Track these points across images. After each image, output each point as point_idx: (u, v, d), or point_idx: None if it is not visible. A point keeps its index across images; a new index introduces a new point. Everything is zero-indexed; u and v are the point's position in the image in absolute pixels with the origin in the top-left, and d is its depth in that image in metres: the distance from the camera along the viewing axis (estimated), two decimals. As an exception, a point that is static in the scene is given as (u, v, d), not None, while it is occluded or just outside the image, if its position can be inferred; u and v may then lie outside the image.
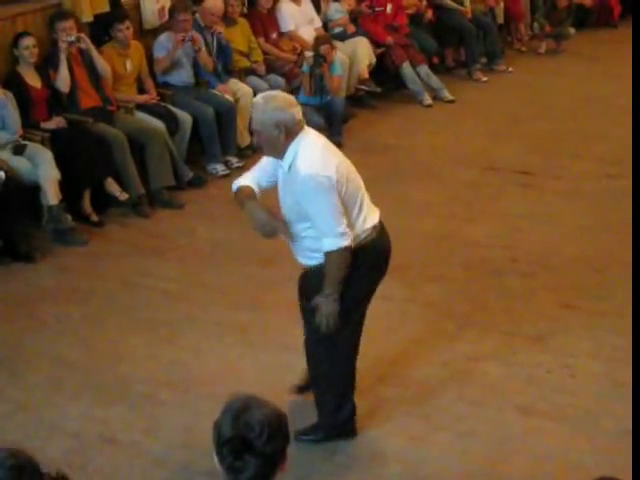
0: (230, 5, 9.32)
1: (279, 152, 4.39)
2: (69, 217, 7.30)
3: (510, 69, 12.22)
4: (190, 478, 4.67)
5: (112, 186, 7.72)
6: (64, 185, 7.25)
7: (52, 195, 7.12)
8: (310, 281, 4.62)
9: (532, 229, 7.41)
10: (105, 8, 8.38)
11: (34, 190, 7.20)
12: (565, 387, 5.32)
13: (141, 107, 8.37)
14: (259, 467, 2.72)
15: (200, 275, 6.80)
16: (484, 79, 11.78)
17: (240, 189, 4.58)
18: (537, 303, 6.28)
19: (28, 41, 7.53)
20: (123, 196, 7.73)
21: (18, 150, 7.21)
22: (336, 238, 4.35)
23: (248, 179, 4.61)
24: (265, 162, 4.63)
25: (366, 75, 10.46)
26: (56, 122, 7.58)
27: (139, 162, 7.96)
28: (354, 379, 4.87)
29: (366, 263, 4.49)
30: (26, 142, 7.30)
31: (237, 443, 2.71)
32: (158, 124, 8.19)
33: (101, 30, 8.42)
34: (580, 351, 5.67)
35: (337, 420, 4.87)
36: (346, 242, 4.37)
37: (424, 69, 10.96)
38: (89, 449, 4.89)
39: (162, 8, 9.09)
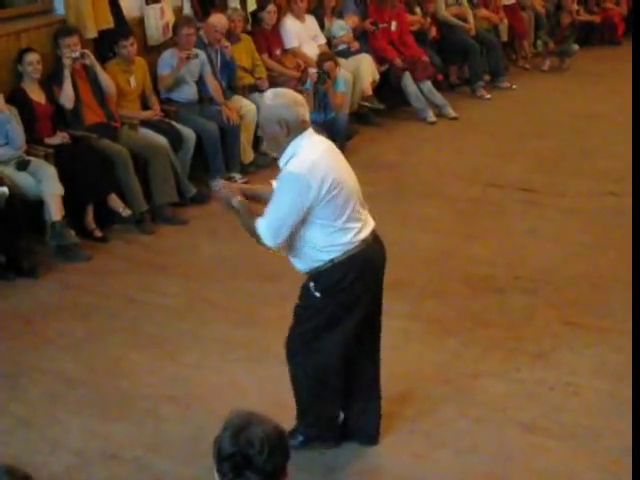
0: (232, 21, 9.35)
1: (279, 148, 4.41)
2: (72, 233, 7.30)
3: (514, 86, 12.27)
4: (191, 494, 4.67)
5: (115, 202, 7.74)
6: (67, 201, 7.27)
7: (55, 211, 7.14)
8: (306, 284, 4.60)
9: (535, 246, 7.41)
10: (109, 24, 8.40)
11: (37, 206, 7.22)
12: (567, 404, 5.31)
13: (145, 123, 8.40)
14: (259, 483, 2.73)
15: (203, 291, 6.80)
16: (488, 96, 11.82)
17: None
18: (539, 320, 6.27)
19: (32, 57, 7.56)
20: (126, 212, 7.75)
21: (22, 166, 7.22)
22: (270, 234, 4.37)
23: None
24: None
25: (369, 92, 10.50)
26: (60, 138, 7.61)
27: (142, 178, 7.98)
28: (337, 395, 4.83)
29: (350, 274, 4.45)
30: (30, 158, 7.32)
31: (237, 459, 2.71)
32: (162, 140, 8.21)
33: (105, 46, 8.47)
34: (583, 368, 5.67)
35: (316, 430, 4.88)
36: (270, 245, 4.42)
37: (428, 86, 11.00)
38: (91, 465, 4.87)
39: (166, 24, 9.14)
